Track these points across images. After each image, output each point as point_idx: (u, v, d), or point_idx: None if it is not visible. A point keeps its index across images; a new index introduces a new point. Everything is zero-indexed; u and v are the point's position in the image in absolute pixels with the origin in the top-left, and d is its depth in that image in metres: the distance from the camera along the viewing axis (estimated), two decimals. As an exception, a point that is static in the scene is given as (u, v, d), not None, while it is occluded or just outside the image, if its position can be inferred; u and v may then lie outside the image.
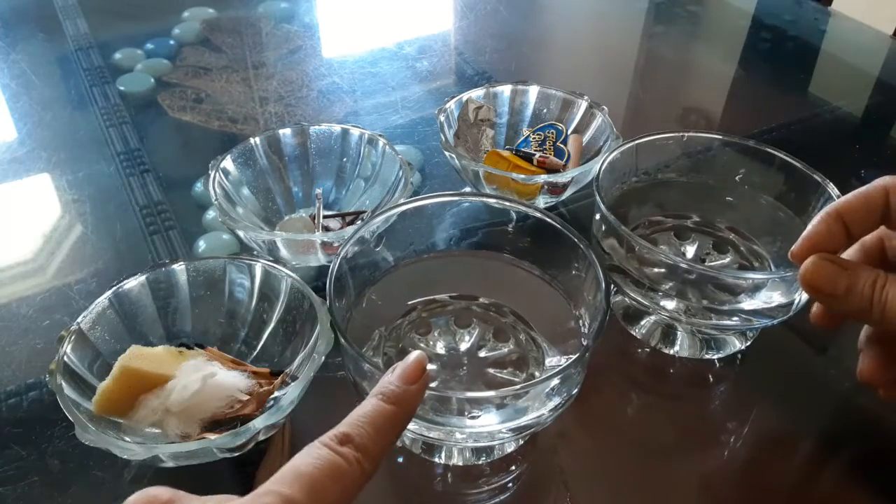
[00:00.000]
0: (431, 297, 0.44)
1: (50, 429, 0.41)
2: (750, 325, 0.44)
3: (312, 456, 0.27)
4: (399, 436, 0.30)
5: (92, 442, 0.34)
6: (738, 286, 0.42)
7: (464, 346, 0.42)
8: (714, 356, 0.46)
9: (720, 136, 0.50)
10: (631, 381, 0.46)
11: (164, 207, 0.56)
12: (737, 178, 0.50)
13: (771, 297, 0.42)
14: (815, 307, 0.40)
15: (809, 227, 0.36)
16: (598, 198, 0.43)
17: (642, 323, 0.48)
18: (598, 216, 0.44)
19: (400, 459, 0.41)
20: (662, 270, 0.43)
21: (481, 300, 0.44)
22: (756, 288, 0.42)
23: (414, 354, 0.31)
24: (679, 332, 0.47)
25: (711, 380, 0.46)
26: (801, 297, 0.42)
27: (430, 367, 0.41)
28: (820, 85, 0.78)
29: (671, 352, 0.47)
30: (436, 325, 0.43)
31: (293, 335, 0.41)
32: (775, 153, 0.47)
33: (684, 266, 0.41)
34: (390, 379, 0.30)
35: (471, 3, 0.90)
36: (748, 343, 0.47)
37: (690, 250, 0.49)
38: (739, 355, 0.47)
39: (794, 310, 0.42)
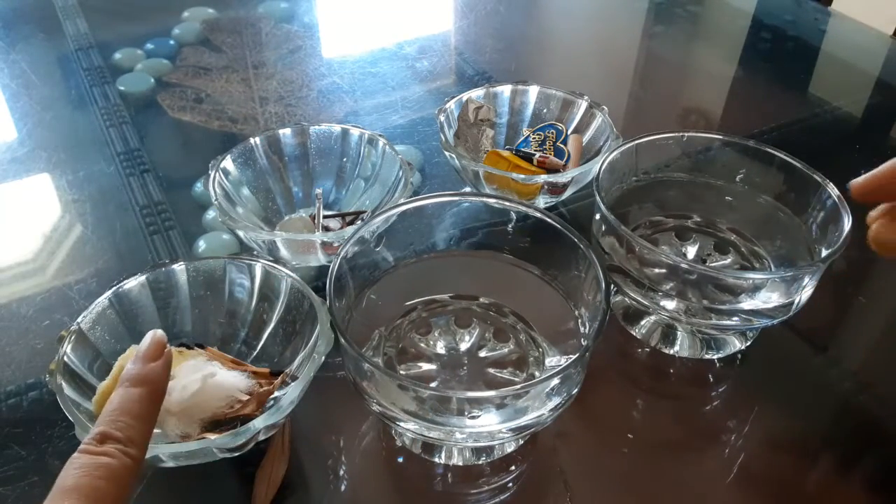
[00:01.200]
0: (432, 298, 0.44)
1: (50, 429, 0.41)
2: (750, 326, 0.44)
3: (74, 467, 0.26)
4: (157, 414, 0.30)
5: (92, 442, 0.34)
6: (739, 286, 0.42)
7: (464, 346, 0.42)
8: (714, 356, 0.46)
9: (720, 137, 0.50)
10: (631, 381, 0.46)
11: (164, 207, 0.56)
12: (737, 178, 0.50)
13: (770, 297, 0.42)
14: (858, 182, 0.37)
15: (880, 167, 0.35)
16: (598, 198, 0.43)
17: (642, 323, 0.48)
18: (598, 216, 0.44)
19: (400, 459, 0.41)
20: (663, 271, 0.43)
21: (482, 300, 0.44)
22: (756, 288, 0.42)
23: (150, 333, 0.31)
24: (679, 332, 0.47)
25: (711, 380, 0.46)
26: (801, 297, 0.42)
27: (430, 366, 0.41)
28: (820, 85, 0.78)
29: (671, 352, 0.47)
30: (436, 325, 0.43)
31: (293, 335, 0.41)
32: (775, 153, 0.47)
33: (684, 266, 0.41)
34: (132, 363, 0.30)
35: (471, 3, 0.90)
36: (748, 343, 0.47)
37: (691, 251, 0.49)
38: (739, 355, 0.47)
39: (794, 310, 0.42)
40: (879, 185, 0.36)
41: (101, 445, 0.27)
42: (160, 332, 0.31)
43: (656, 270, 0.43)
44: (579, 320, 0.41)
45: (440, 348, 0.42)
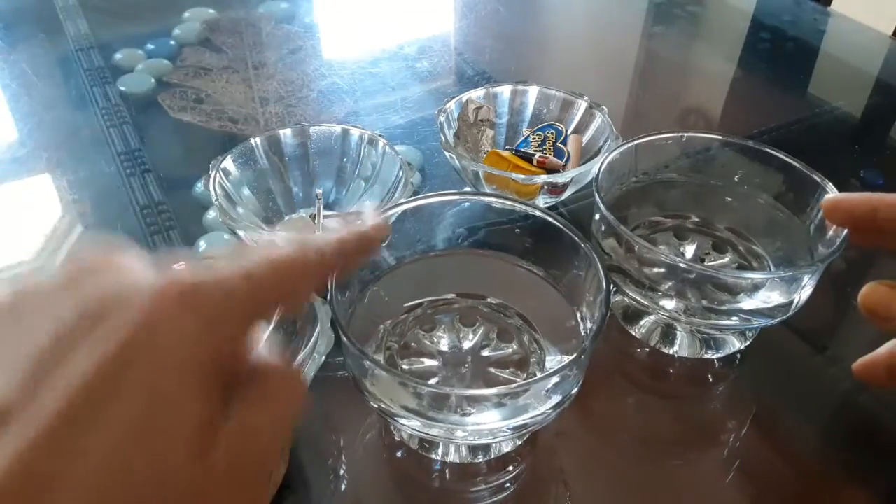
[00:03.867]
0: (438, 297, 0.44)
1: (51, 428, 0.41)
2: (749, 325, 0.44)
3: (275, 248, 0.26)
4: (353, 259, 0.30)
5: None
6: (738, 286, 0.42)
7: (467, 345, 0.42)
8: (713, 356, 0.46)
9: (719, 137, 0.50)
10: (630, 381, 0.46)
11: (164, 207, 0.57)
12: (736, 178, 0.50)
13: (770, 297, 0.42)
14: (859, 364, 0.39)
15: (852, 194, 0.37)
16: (597, 198, 0.43)
17: (642, 323, 0.48)
18: (597, 216, 0.44)
19: (399, 454, 0.41)
20: (662, 270, 0.43)
21: (489, 300, 0.44)
22: (755, 288, 0.42)
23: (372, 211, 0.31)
24: (678, 332, 0.47)
25: (711, 379, 0.46)
26: (800, 296, 0.42)
27: (433, 363, 0.41)
28: (819, 85, 0.78)
29: (671, 351, 0.47)
30: (440, 323, 0.43)
31: (293, 335, 0.42)
32: (774, 153, 0.48)
33: (683, 266, 0.42)
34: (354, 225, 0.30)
35: (471, 3, 0.90)
36: (747, 343, 0.47)
37: (690, 250, 0.49)
38: (739, 355, 0.47)
39: (793, 309, 0.43)
40: (848, 206, 0.37)
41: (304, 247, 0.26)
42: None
43: (655, 270, 0.43)
44: (579, 320, 0.41)
45: (443, 345, 0.42)
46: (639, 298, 0.44)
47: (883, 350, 0.39)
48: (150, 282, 0.23)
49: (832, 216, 0.39)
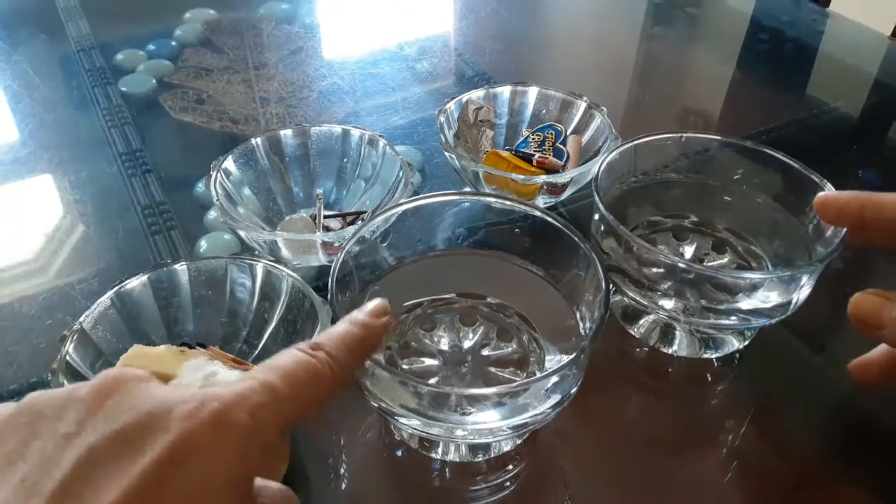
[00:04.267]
0: (438, 296, 0.44)
1: (53, 427, 0.41)
2: (748, 325, 0.44)
3: (287, 355, 0.29)
4: (364, 358, 0.32)
5: (95, 440, 0.34)
6: (736, 286, 0.42)
7: (467, 344, 0.42)
8: (713, 355, 0.47)
9: (718, 137, 0.50)
10: (629, 381, 0.47)
11: (165, 207, 0.57)
12: (735, 178, 0.50)
13: (768, 297, 0.42)
14: (854, 364, 0.41)
15: (841, 192, 0.39)
16: (596, 198, 0.44)
17: (641, 322, 0.48)
18: (596, 216, 0.45)
19: (399, 453, 0.41)
20: (661, 270, 0.43)
21: (488, 300, 0.44)
22: (754, 287, 0.42)
23: (376, 299, 0.33)
24: (678, 332, 0.47)
25: (710, 379, 0.46)
26: (799, 296, 0.42)
27: (433, 362, 0.41)
28: (818, 86, 0.78)
29: (670, 351, 0.47)
30: (441, 322, 0.43)
31: (294, 335, 0.42)
32: (773, 154, 0.48)
33: (682, 266, 0.42)
34: (357, 312, 0.32)
35: (471, 4, 0.90)
36: (746, 343, 0.47)
37: (689, 250, 0.49)
38: (738, 354, 0.47)
39: (792, 309, 0.43)
40: (837, 204, 0.39)
41: (315, 351, 0.29)
42: (385, 301, 0.33)
43: (654, 270, 0.43)
44: (579, 320, 0.41)
45: (444, 345, 0.42)
46: (638, 298, 0.44)
47: (876, 351, 0.39)
48: (179, 404, 0.24)
49: (823, 214, 0.40)
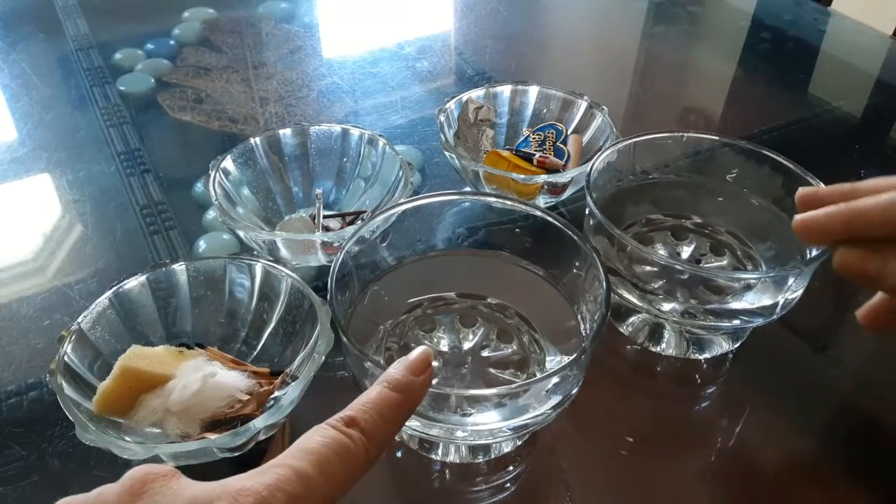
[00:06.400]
0: (438, 295, 0.44)
1: (50, 429, 0.41)
2: (736, 326, 0.44)
3: (320, 434, 0.27)
4: (402, 425, 0.31)
5: (92, 442, 0.34)
6: (729, 287, 0.42)
7: (467, 345, 0.42)
8: (700, 356, 0.46)
9: (717, 137, 0.50)
10: (618, 379, 0.46)
11: (164, 207, 0.57)
12: (732, 179, 0.50)
13: (757, 299, 0.42)
14: (864, 312, 0.40)
15: (815, 213, 0.37)
16: (588, 196, 0.43)
17: (630, 320, 0.48)
18: (587, 213, 0.45)
19: (399, 454, 0.41)
20: (653, 269, 0.43)
21: (488, 300, 0.44)
22: (746, 289, 0.42)
23: (420, 348, 0.31)
24: (666, 331, 0.47)
25: (701, 378, 0.46)
26: (790, 296, 0.42)
27: (433, 363, 0.41)
28: (819, 85, 0.78)
29: (657, 350, 0.47)
30: (440, 323, 0.43)
31: (293, 335, 0.42)
32: (771, 155, 0.47)
33: (673, 266, 0.42)
34: (397, 369, 0.30)
35: (471, 3, 0.90)
36: (737, 345, 0.47)
37: (686, 251, 0.49)
38: (731, 354, 0.47)
39: (779, 311, 0.42)
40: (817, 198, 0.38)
41: (349, 429, 0.28)
42: (429, 350, 0.31)
43: (646, 269, 0.43)
44: (579, 320, 0.41)
45: (443, 346, 0.42)
46: (629, 297, 0.44)
47: (876, 298, 0.39)
48: (213, 501, 0.24)
49: (807, 239, 0.39)
